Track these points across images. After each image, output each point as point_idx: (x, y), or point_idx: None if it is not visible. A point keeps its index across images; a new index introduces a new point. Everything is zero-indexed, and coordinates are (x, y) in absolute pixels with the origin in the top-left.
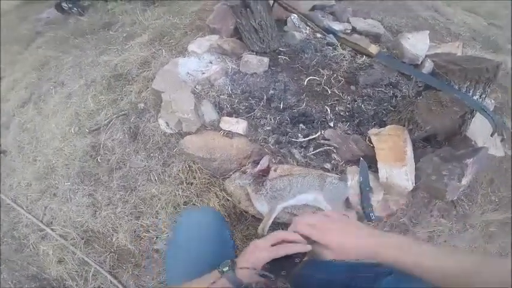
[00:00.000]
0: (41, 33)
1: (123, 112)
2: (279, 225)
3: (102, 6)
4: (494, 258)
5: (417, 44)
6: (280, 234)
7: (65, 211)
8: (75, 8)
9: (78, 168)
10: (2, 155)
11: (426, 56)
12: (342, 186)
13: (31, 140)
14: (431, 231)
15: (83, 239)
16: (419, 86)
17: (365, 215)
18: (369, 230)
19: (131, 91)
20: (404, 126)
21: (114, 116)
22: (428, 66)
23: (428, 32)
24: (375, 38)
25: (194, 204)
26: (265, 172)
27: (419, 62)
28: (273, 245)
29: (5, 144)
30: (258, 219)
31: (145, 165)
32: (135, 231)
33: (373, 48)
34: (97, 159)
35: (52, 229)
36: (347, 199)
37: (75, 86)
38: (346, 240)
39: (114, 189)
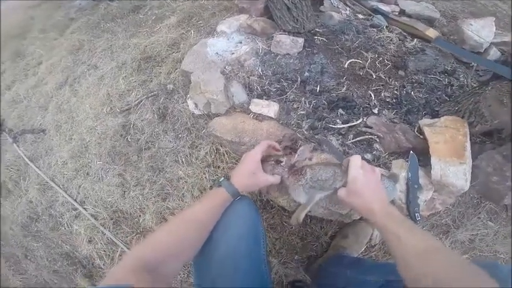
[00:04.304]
0: (75, 19)
1: (152, 93)
2: (309, 218)
3: None
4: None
5: (481, 31)
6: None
7: (97, 190)
8: None
9: (110, 147)
10: (41, 133)
11: (491, 43)
12: (391, 186)
13: (67, 120)
14: (475, 235)
15: (112, 219)
16: (480, 76)
17: (409, 215)
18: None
19: (160, 72)
20: (463, 118)
21: (144, 96)
22: (493, 54)
23: (493, 18)
24: (428, 22)
25: None
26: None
27: (483, 50)
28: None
29: (44, 123)
30: (284, 209)
31: (173, 146)
32: (161, 213)
33: (431, 32)
34: (127, 139)
35: (85, 208)
36: None
37: (107, 68)
38: (371, 200)
39: (142, 170)
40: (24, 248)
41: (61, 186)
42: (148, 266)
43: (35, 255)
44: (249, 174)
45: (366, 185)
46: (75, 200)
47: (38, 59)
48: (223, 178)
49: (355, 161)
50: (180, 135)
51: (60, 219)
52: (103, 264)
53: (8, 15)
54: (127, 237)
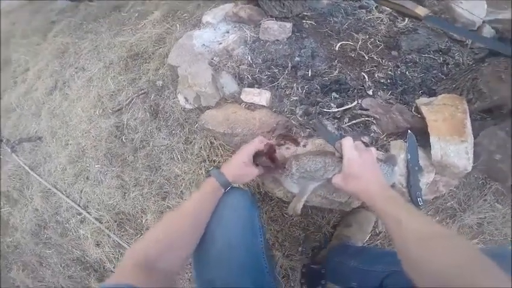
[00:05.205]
0: (56, 22)
1: (142, 91)
2: (309, 208)
3: None
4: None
5: (472, 9)
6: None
7: (98, 194)
8: None
9: (105, 150)
10: (38, 141)
11: (484, 21)
12: (389, 171)
13: (61, 125)
14: (482, 218)
15: (115, 221)
16: (476, 53)
17: (412, 199)
18: (390, 192)
19: (149, 69)
20: (461, 95)
21: (135, 95)
22: (487, 32)
23: None
24: (418, 1)
25: None
26: (271, 153)
27: (475, 28)
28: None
29: (40, 130)
30: (283, 201)
31: (167, 143)
32: (161, 212)
33: (421, 10)
34: (122, 139)
35: (88, 212)
36: None
37: (95, 69)
38: (368, 181)
39: (140, 170)
40: (38, 256)
41: (63, 192)
42: (146, 264)
43: (49, 262)
44: (239, 164)
45: (363, 166)
46: (78, 205)
47: (24, 65)
48: (213, 167)
49: (348, 143)
50: (173, 132)
51: (67, 225)
52: (113, 267)
53: None
54: (132, 239)
